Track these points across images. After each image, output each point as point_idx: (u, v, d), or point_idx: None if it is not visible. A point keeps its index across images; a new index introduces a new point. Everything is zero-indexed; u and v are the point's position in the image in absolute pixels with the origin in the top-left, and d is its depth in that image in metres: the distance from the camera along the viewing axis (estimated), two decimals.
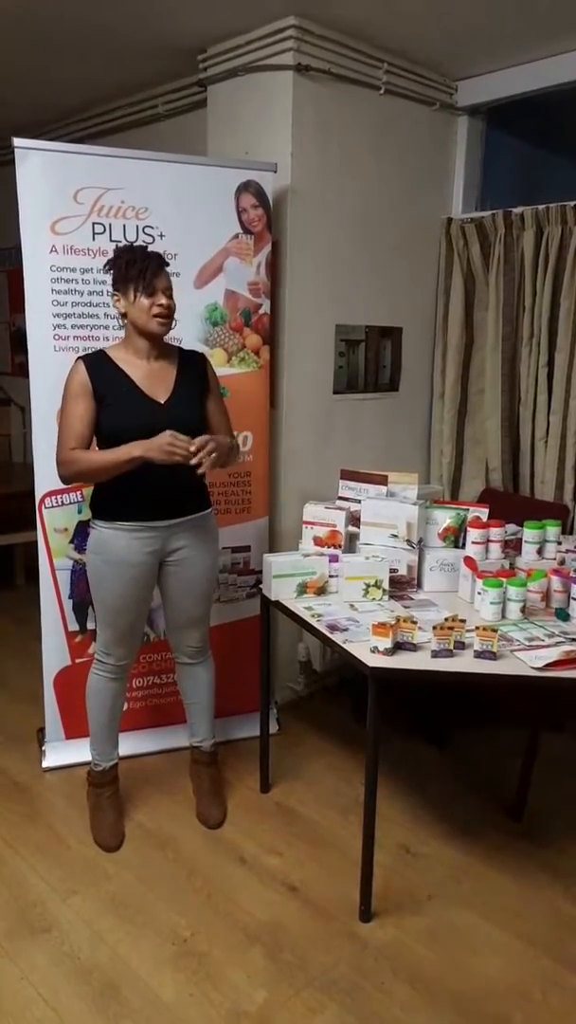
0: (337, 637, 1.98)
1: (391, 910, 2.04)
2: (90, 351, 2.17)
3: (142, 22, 2.63)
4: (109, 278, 2.10)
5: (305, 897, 2.09)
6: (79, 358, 2.10)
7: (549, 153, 3.37)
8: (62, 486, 2.49)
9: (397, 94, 2.98)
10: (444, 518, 2.34)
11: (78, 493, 2.52)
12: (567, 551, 2.41)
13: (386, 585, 2.21)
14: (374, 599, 2.20)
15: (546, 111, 3.16)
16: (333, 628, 2.03)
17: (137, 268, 2.01)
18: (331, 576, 2.28)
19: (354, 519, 2.39)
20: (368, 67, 2.83)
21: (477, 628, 1.89)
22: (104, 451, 2.02)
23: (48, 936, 1.95)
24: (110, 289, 2.11)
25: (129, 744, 2.58)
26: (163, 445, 1.93)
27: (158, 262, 2.04)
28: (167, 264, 2.08)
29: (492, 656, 1.86)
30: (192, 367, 2.18)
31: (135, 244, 2.21)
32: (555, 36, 2.70)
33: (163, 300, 2.02)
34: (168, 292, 2.05)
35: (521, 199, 3.05)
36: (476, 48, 2.83)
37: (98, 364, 2.07)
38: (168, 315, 2.05)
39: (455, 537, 2.34)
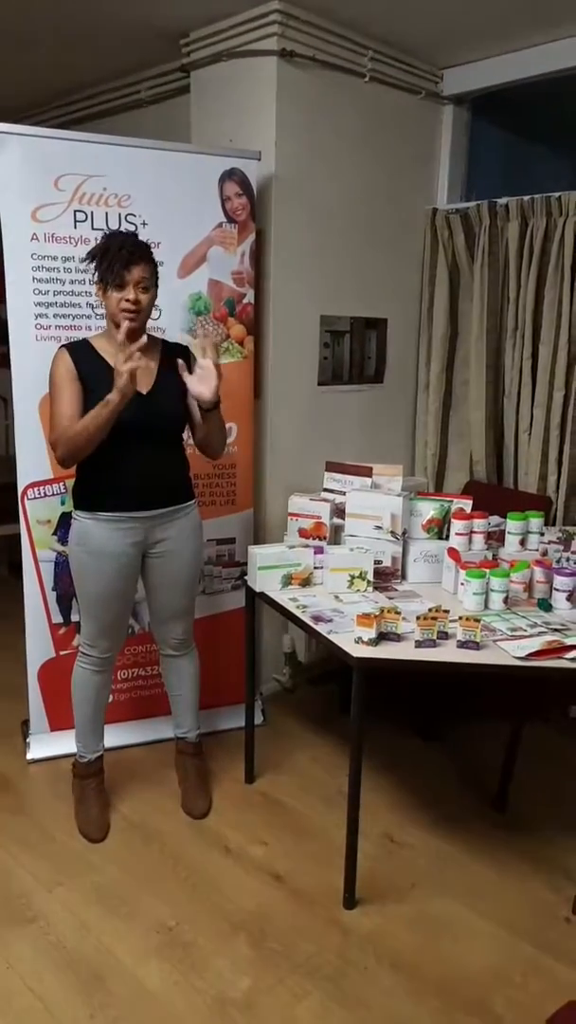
0: (322, 628, 1.99)
1: (375, 898, 2.06)
2: (72, 340, 2.15)
3: (124, 5, 2.58)
4: (91, 267, 2.07)
5: (290, 886, 2.11)
6: (62, 346, 2.08)
7: (535, 143, 3.37)
8: (45, 478, 2.49)
9: (382, 82, 2.96)
10: (428, 510, 2.35)
11: (60, 485, 2.50)
12: (550, 542, 2.43)
13: (370, 576, 2.22)
14: (359, 590, 2.21)
15: (532, 101, 3.16)
16: (318, 619, 2.04)
17: (108, 260, 1.96)
18: (316, 568, 2.28)
19: (339, 511, 2.39)
20: (353, 54, 2.81)
21: (460, 618, 1.90)
22: (85, 416, 1.97)
23: (34, 927, 1.95)
24: (93, 278, 2.08)
25: (114, 736, 2.58)
26: (122, 381, 1.89)
27: (130, 254, 1.95)
28: (150, 254, 2.03)
29: (475, 646, 1.87)
30: (175, 359, 2.16)
31: (119, 231, 2.17)
32: (542, 25, 2.69)
33: (131, 295, 1.97)
34: (142, 285, 1.98)
35: (506, 190, 3.05)
36: (462, 36, 2.82)
37: (82, 352, 2.05)
38: (134, 310, 1.98)
39: (439, 528, 2.35)
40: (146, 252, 2.02)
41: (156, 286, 2.06)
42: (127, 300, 1.97)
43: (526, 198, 2.90)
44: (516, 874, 2.17)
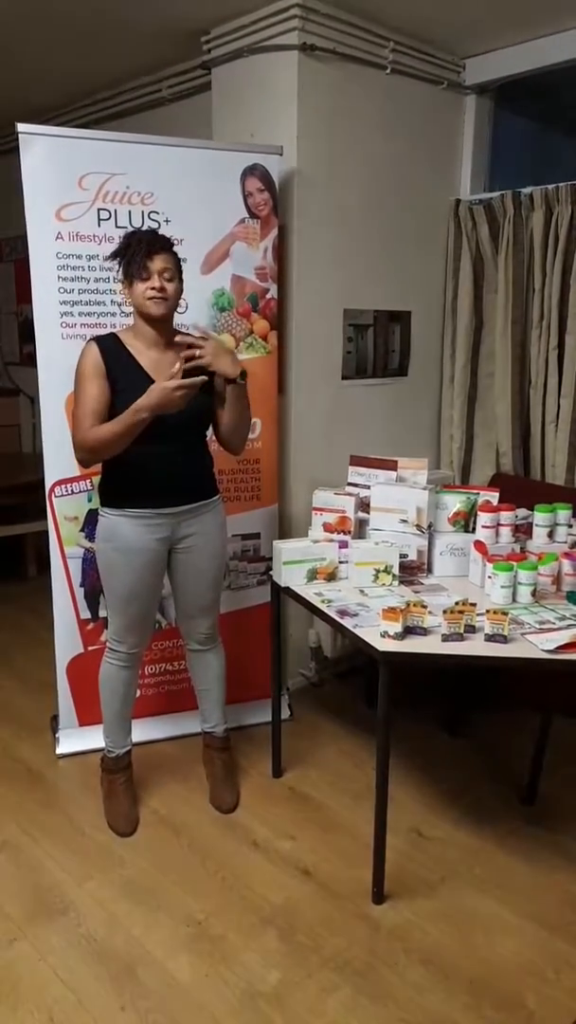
0: (347, 622, 1.99)
1: (404, 893, 2.05)
2: (101, 334, 2.17)
3: (145, 4, 2.59)
4: (115, 266, 2.08)
5: (318, 880, 2.11)
6: (91, 339, 2.09)
7: (559, 132, 3.32)
8: (72, 475, 2.51)
9: (404, 73, 2.94)
10: (454, 503, 2.33)
11: (87, 482, 2.52)
12: None
13: (396, 570, 2.20)
14: (384, 584, 2.20)
15: (556, 89, 3.11)
16: (343, 613, 2.04)
17: (131, 252, 1.99)
18: (341, 562, 2.28)
19: (364, 505, 2.39)
20: (374, 46, 2.80)
21: (488, 612, 1.89)
22: (111, 422, 2.00)
23: (65, 919, 1.97)
24: (118, 276, 2.10)
25: (142, 731, 2.60)
26: (167, 396, 1.92)
27: (150, 244, 1.99)
28: (170, 245, 2.04)
29: (503, 640, 1.86)
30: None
31: (140, 229, 2.19)
32: (564, 12, 2.65)
33: (156, 283, 1.99)
34: (166, 274, 2.00)
35: (530, 179, 3.01)
36: (484, 25, 2.78)
37: (111, 346, 2.07)
38: (162, 296, 2.00)
39: (465, 522, 2.33)
40: (166, 243, 2.04)
41: (181, 280, 2.07)
42: (152, 288, 1.99)
43: (551, 187, 2.87)
44: (547, 868, 2.15)
